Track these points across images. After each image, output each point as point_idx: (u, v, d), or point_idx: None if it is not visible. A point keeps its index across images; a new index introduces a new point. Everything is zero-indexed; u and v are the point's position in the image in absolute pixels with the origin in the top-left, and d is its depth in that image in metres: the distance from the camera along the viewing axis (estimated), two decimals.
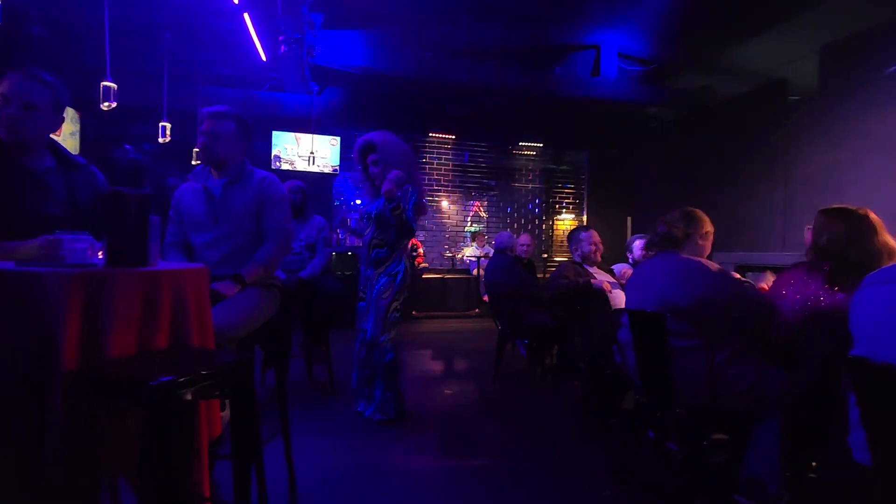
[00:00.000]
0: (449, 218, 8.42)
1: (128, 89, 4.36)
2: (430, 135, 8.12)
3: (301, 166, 6.88)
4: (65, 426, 1.15)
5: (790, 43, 5.37)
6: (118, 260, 1.33)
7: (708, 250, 2.16)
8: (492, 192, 8.66)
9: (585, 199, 8.93)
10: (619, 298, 3.04)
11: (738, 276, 2.19)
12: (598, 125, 7.93)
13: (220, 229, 2.18)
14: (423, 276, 7.34)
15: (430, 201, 8.10)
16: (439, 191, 8.31)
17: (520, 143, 8.59)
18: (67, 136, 5.45)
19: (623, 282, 3.28)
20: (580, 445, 2.72)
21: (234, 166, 2.22)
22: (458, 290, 7.64)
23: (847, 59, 4.95)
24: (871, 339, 1.27)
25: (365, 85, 6.17)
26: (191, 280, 1.48)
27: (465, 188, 8.47)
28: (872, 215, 1.87)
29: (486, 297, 5.71)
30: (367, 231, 2.91)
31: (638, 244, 3.70)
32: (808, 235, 2.15)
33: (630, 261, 3.81)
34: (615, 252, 4.76)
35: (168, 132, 5.28)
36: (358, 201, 7.71)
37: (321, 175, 7.04)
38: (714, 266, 1.96)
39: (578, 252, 3.41)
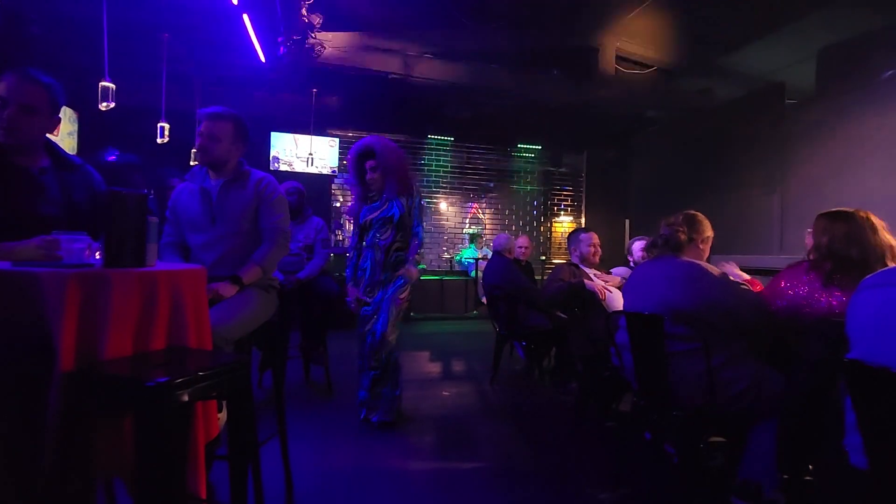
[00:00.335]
0: (447, 220, 8.42)
1: (126, 89, 4.35)
2: (429, 136, 8.13)
3: (300, 167, 6.88)
4: (61, 427, 1.15)
5: (788, 47, 5.40)
6: (115, 260, 1.33)
7: (707, 254, 2.16)
8: (490, 195, 8.66)
9: (584, 202, 8.93)
10: (618, 300, 3.04)
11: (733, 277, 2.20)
12: (596, 128, 7.95)
13: (217, 230, 2.18)
14: (421, 278, 7.33)
15: (428, 203, 8.10)
16: (438, 193, 8.31)
17: (518, 146, 8.60)
18: (65, 135, 5.43)
19: None
20: (578, 447, 2.72)
21: (232, 167, 2.22)
22: (456, 291, 7.65)
23: (844, 63, 4.96)
24: (867, 342, 1.27)
25: (364, 86, 6.18)
26: (188, 281, 1.47)
27: (464, 190, 8.48)
28: (873, 216, 1.88)
29: (484, 299, 5.71)
30: (387, 235, 2.91)
31: (638, 246, 3.67)
32: (808, 239, 2.15)
33: (630, 263, 3.79)
34: (613, 254, 4.76)
35: (167, 132, 5.27)
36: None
37: (320, 176, 7.04)
38: (715, 270, 1.97)
39: (577, 253, 3.40)
